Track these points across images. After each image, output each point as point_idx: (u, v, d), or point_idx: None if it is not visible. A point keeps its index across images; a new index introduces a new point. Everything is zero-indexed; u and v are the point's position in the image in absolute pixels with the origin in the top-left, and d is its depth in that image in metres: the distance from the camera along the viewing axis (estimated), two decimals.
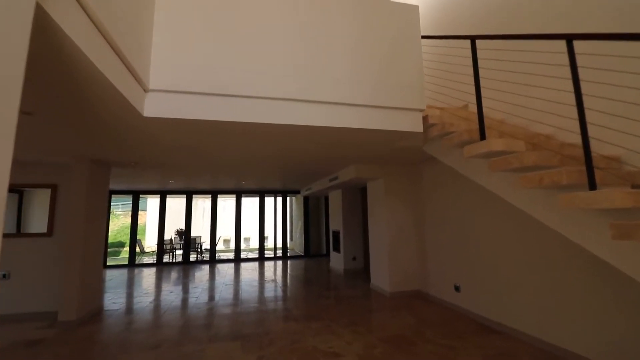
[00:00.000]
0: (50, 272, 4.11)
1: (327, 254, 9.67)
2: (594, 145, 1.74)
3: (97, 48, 1.62)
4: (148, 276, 7.13)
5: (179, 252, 9.41)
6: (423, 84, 3.02)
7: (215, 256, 9.26)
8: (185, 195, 9.23)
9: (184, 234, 9.13)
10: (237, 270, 7.70)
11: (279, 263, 8.91)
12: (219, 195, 9.49)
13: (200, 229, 12.33)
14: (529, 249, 3.10)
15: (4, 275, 4.03)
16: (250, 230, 12.78)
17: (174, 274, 7.31)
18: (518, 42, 2.92)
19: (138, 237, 9.43)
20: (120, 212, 14.96)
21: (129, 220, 8.97)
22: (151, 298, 5.05)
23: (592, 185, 1.65)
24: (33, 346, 3.15)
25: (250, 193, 9.90)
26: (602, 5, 2.50)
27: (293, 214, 12.30)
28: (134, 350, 3.03)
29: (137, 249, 8.94)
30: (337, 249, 7.67)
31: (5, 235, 4.12)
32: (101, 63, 1.67)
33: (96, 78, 1.75)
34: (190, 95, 2.45)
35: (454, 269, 4.17)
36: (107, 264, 8.41)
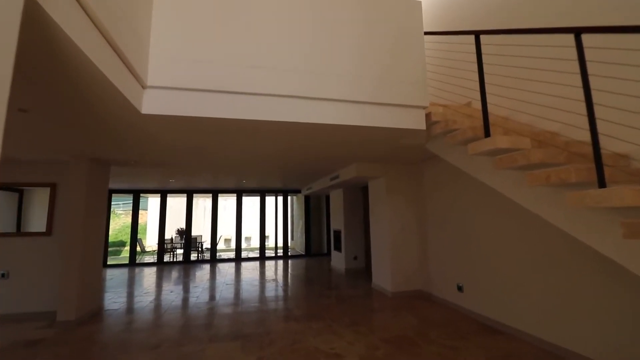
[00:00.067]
0: (49, 272, 4.08)
1: (328, 253, 9.64)
2: (601, 142, 1.70)
3: (93, 42, 1.58)
4: (148, 275, 7.11)
5: (180, 251, 9.39)
6: (426, 80, 2.97)
7: (216, 255, 9.24)
8: (185, 195, 9.20)
9: (185, 233, 9.10)
10: (237, 270, 7.67)
11: (280, 262, 8.88)
12: (219, 195, 9.46)
13: (201, 228, 12.31)
14: (532, 248, 3.05)
15: (2, 275, 4.00)
16: (251, 229, 12.75)
17: (174, 274, 7.29)
18: (522, 38, 2.87)
19: (139, 236, 9.42)
20: (121, 212, 14.95)
21: (129, 219, 8.94)
22: (151, 297, 5.02)
23: (602, 183, 1.60)
24: (32, 346, 3.12)
25: (251, 192, 9.87)
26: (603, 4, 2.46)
27: (294, 213, 12.26)
28: (133, 350, 3.00)
29: (138, 248, 8.92)
30: (338, 248, 7.63)
31: (3, 235, 4.10)
32: (97, 58, 1.63)
33: (92, 74, 1.71)
34: (190, 92, 2.40)
35: (457, 269, 4.12)
36: (108, 263, 8.39)
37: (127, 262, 8.59)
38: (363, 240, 7.23)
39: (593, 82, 1.73)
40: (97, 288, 4.41)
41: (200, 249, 9.54)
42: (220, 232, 9.95)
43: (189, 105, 2.40)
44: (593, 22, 2.49)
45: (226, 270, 7.59)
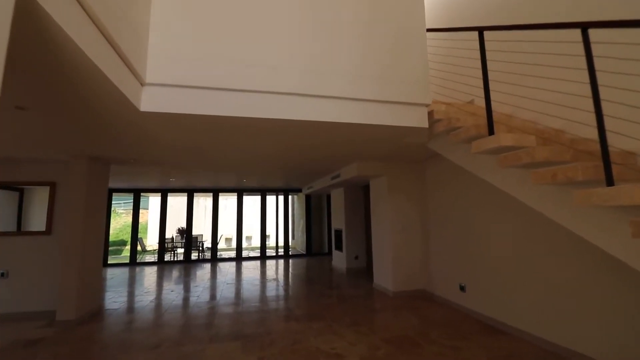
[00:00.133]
0: (49, 271, 4.06)
1: (329, 253, 9.61)
2: (609, 139, 1.66)
3: (89, 38, 1.54)
4: (149, 275, 7.09)
5: (181, 250, 9.37)
6: (428, 78, 2.94)
7: (216, 255, 9.22)
8: (186, 194, 9.18)
9: (185, 232, 9.09)
10: (238, 269, 7.65)
11: (281, 262, 8.85)
12: (220, 194, 9.43)
13: (201, 228, 12.30)
14: (535, 247, 3.01)
15: (2, 274, 3.99)
16: (252, 228, 12.74)
17: (175, 273, 7.27)
18: (524, 35, 2.84)
19: (140, 235, 9.41)
20: (122, 211, 14.95)
21: (130, 218, 8.93)
22: (152, 297, 5.00)
23: (610, 181, 1.56)
24: (32, 346, 3.10)
25: (252, 191, 9.84)
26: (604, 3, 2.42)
27: (295, 212, 12.23)
28: (133, 350, 2.98)
29: (139, 248, 8.91)
30: (339, 247, 7.61)
31: (3, 234, 4.08)
32: (94, 54, 1.60)
33: (89, 70, 1.68)
34: (190, 90, 2.37)
35: (459, 268, 4.09)
36: (109, 262, 8.39)
37: (127, 261, 8.58)
38: (364, 240, 7.20)
39: (600, 78, 1.70)
40: (97, 287, 4.39)
41: (201, 248, 9.52)
42: (221, 231, 9.92)
43: (189, 103, 2.37)
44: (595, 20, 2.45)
45: (227, 270, 7.57)
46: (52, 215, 4.19)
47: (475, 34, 2.49)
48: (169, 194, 9.09)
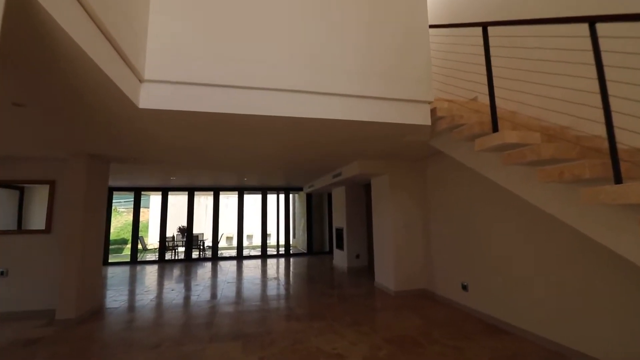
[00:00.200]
0: (49, 270, 4.04)
1: (330, 252, 9.59)
2: (617, 136, 1.62)
3: (86, 33, 1.51)
4: (150, 273, 7.08)
5: (181, 249, 9.36)
6: (431, 75, 2.90)
7: (217, 253, 9.21)
8: (187, 192, 9.17)
9: (186, 231, 9.07)
10: (239, 268, 7.63)
11: (282, 260, 8.83)
12: (221, 192, 9.41)
13: (202, 226, 12.29)
14: (539, 246, 2.98)
15: (1, 273, 3.97)
16: (252, 227, 12.72)
17: (175, 271, 7.26)
18: (528, 30, 2.79)
19: (141, 234, 9.40)
20: (123, 209, 14.96)
21: (132, 217, 8.92)
22: (152, 296, 4.99)
23: (618, 179, 1.53)
24: (31, 345, 3.08)
25: (253, 190, 9.82)
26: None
27: (296, 211, 12.21)
28: (133, 349, 2.96)
29: (139, 246, 8.90)
30: (340, 246, 7.58)
31: (2, 232, 4.06)
32: (91, 50, 1.57)
33: (86, 66, 1.65)
34: (190, 86, 2.34)
35: (461, 267, 4.05)
36: (110, 261, 8.39)
37: (128, 260, 8.57)
38: (365, 239, 7.17)
39: (607, 74, 1.65)
40: (97, 286, 4.37)
41: (201, 247, 9.50)
42: (222, 230, 9.91)
43: (189, 100, 2.34)
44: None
45: (228, 269, 7.55)
46: (51, 213, 4.17)
47: (479, 30, 2.45)
48: (169, 193, 9.07)
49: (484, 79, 2.38)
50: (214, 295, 4.94)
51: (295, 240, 12.07)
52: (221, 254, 9.63)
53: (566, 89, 2.48)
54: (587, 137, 2.26)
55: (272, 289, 5.34)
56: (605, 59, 1.67)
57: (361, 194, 7.32)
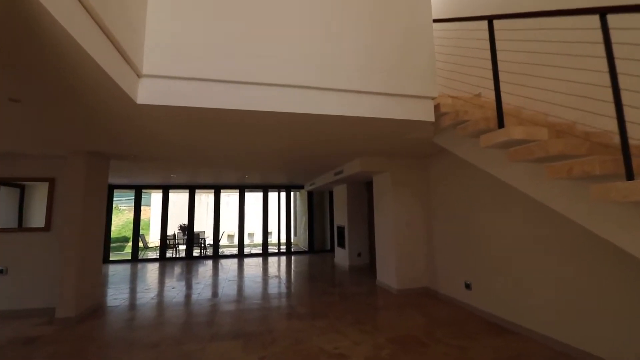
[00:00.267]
0: (48, 268, 4.01)
1: (332, 250, 9.55)
2: (629, 131, 1.56)
3: (82, 26, 1.47)
4: (151, 271, 7.07)
5: (182, 247, 9.34)
6: (435, 70, 2.84)
7: (218, 251, 9.19)
8: (188, 190, 9.14)
9: (187, 229, 9.05)
10: (240, 266, 7.61)
11: (283, 259, 8.80)
12: (222, 190, 9.38)
13: (204, 224, 12.28)
14: (545, 244, 2.92)
15: (1, 271, 3.95)
16: (254, 225, 12.71)
17: (176, 270, 7.24)
18: (532, 23, 2.73)
19: (142, 232, 9.39)
20: (125, 207, 14.96)
21: (133, 215, 8.90)
22: (153, 294, 4.96)
23: (630, 175, 1.48)
24: (31, 343, 3.06)
25: (254, 188, 9.78)
26: None
27: (297, 209, 12.18)
28: (133, 348, 2.93)
29: (141, 244, 8.89)
30: (341, 244, 7.54)
31: (2, 230, 4.04)
32: (87, 43, 1.52)
33: (83, 61, 1.61)
34: (189, 81, 2.30)
35: (464, 265, 4.01)
36: (111, 259, 8.37)
37: (129, 257, 8.57)
38: (367, 237, 7.12)
39: (619, 67, 1.60)
40: (97, 284, 4.34)
41: (202, 245, 9.49)
42: (223, 228, 9.89)
43: (188, 95, 2.29)
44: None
45: (229, 267, 7.53)
46: (51, 211, 4.14)
47: (483, 25, 2.39)
48: (170, 191, 9.04)
49: (488, 74, 2.33)
50: (214, 294, 4.91)
51: (297, 239, 12.05)
52: (222, 252, 9.61)
53: (573, 83, 2.42)
54: (596, 132, 2.21)
55: (274, 287, 5.31)
56: (616, 51, 1.62)
57: (362, 192, 7.27)
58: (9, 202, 4.26)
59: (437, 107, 2.82)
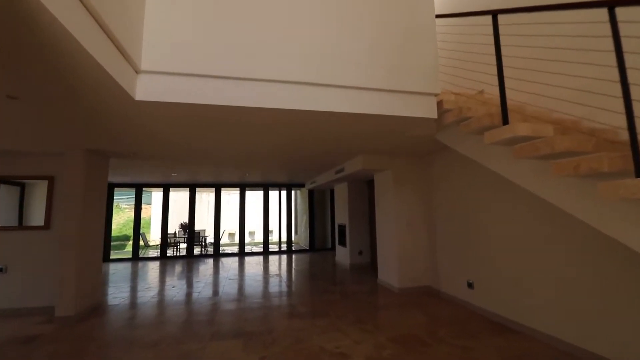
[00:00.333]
0: (48, 266, 3.99)
1: (333, 248, 9.53)
2: (638, 126, 1.52)
3: (79, 21, 1.44)
4: (151, 270, 7.05)
5: (183, 245, 9.33)
6: (437, 66, 2.80)
7: (219, 250, 9.18)
8: (188, 189, 9.12)
9: (188, 227, 9.04)
10: (241, 265, 7.59)
11: (284, 257, 8.79)
12: (222, 189, 9.36)
13: (204, 223, 12.27)
14: (549, 242, 2.89)
15: (0, 269, 3.93)
16: (254, 224, 12.70)
17: (177, 268, 7.23)
18: (538, 17, 2.69)
19: (142, 230, 9.38)
20: (125, 206, 14.96)
21: (133, 213, 8.89)
22: (153, 293, 4.95)
23: (639, 172, 1.44)
24: (30, 342, 3.04)
25: (255, 186, 9.75)
26: None
27: (298, 207, 12.15)
28: (132, 347, 2.91)
29: (141, 243, 8.88)
30: (342, 243, 7.51)
31: (1, 228, 4.02)
32: (85, 39, 1.49)
33: (82, 59, 1.58)
34: (189, 77, 2.26)
35: (467, 264, 3.97)
36: (111, 257, 8.37)
37: (130, 256, 8.56)
38: (368, 235, 7.09)
39: (628, 61, 1.56)
40: (97, 283, 4.32)
41: (203, 244, 9.48)
42: (224, 226, 9.87)
43: (188, 92, 2.26)
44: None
45: (229, 265, 7.51)
46: (50, 209, 4.12)
47: (486, 20, 2.35)
48: (171, 189, 9.03)
49: (492, 70, 2.29)
50: (215, 292, 4.89)
51: (297, 237, 12.03)
52: (223, 250, 9.60)
53: (579, 78, 2.38)
54: (602, 128, 2.17)
55: (274, 286, 5.29)
56: (625, 45, 1.58)
57: (364, 190, 7.24)
58: (9, 200, 4.24)
59: (439, 104, 2.79)
